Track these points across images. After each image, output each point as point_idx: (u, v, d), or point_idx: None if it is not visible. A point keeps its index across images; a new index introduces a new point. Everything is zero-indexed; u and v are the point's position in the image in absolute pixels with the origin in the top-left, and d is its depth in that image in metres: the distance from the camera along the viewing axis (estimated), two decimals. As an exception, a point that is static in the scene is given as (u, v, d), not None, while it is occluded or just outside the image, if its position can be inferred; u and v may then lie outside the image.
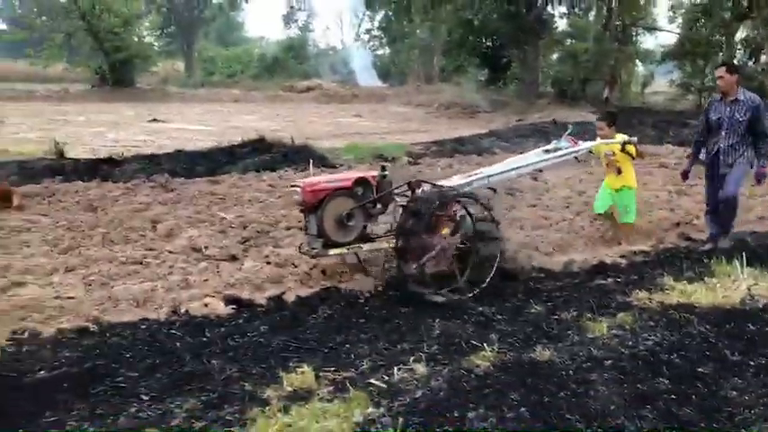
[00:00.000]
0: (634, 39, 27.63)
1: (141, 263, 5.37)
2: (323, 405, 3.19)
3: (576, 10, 29.51)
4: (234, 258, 5.60)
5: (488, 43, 26.22)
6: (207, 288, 4.87)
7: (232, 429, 2.96)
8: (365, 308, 4.56)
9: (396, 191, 4.86)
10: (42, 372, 3.52)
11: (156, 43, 31.33)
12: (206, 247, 5.88)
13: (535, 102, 23.29)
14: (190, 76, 40.22)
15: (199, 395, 3.28)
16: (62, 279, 4.92)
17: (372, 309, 4.54)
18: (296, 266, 5.44)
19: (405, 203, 4.76)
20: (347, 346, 3.92)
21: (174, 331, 4.09)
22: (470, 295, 4.65)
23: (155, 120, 20.17)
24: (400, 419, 3.04)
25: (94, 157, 10.16)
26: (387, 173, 4.91)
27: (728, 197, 5.91)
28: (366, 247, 4.74)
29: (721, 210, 6.01)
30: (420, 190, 4.86)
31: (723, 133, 5.90)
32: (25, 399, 3.20)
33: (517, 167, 5.52)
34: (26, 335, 3.98)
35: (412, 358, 3.70)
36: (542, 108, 21.91)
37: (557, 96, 25.18)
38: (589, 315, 4.37)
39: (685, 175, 6.38)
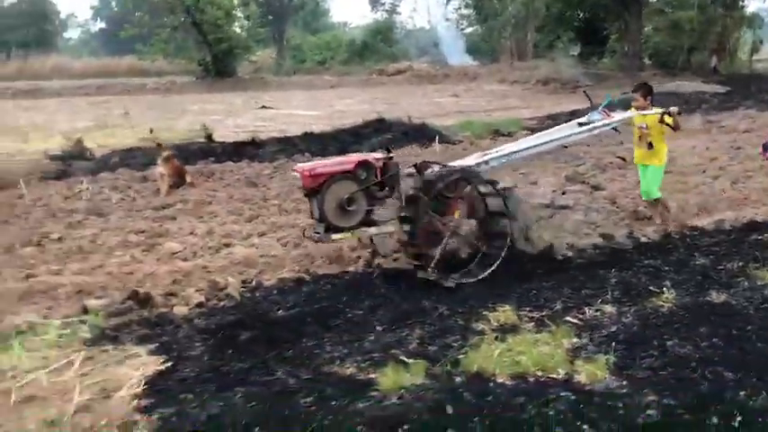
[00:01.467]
0: (741, 3, 26.58)
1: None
2: (532, 336, 3.67)
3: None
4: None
5: (587, 16, 25.81)
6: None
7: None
8: (540, 261, 4.98)
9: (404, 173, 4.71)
10: (280, 311, 4.16)
11: (260, 31, 32.31)
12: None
13: (638, 74, 22.86)
14: (282, 64, 41.51)
15: (421, 327, 3.83)
16: (260, 241, 5.60)
17: (548, 261, 4.97)
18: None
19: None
20: (534, 292, 4.37)
21: (374, 281, 4.66)
22: (482, 277, 4.54)
23: (263, 107, 21.18)
24: (604, 347, 3.47)
25: (239, 141, 10.99)
26: (392, 155, 4.82)
27: None
28: (371, 231, 4.63)
29: None
30: (429, 171, 4.68)
31: None
32: (280, 330, 3.83)
33: (542, 143, 5.34)
34: (254, 284, 4.64)
35: (599, 300, 4.13)
36: (648, 80, 21.48)
37: (657, 67, 24.61)
38: (756, 265, 4.64)
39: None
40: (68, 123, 16.86)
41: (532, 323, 3.86)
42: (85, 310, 4.11)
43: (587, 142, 10.32)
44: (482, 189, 4.70)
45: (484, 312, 3.99)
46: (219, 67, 31.48)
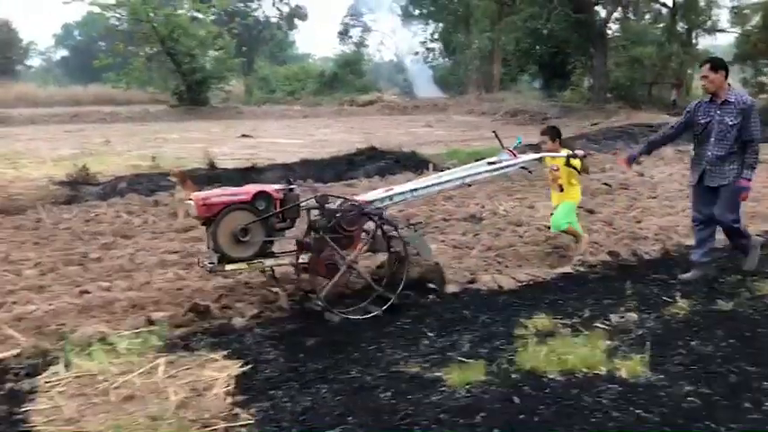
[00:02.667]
0: (694, 41, 28.08)
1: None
2: (570, 339, 4.08)
3: (632, 15, 30.08)
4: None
5: (553, 51, 26.93)
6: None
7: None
8: (561, 276, 5.44)
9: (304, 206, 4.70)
10: (336, 319, 4.50)
11: (234, 62, 32.66)
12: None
13: (604, 107, 23.90)
14: (251, 94, 41.83)
15: (469, 333, 4.21)
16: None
17: (569, 277, 5.43)
18: (470, 249, 6.38)
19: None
20: (560, 302, 4.80)
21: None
22: (377, 312, 4.50)
23: (244, 135, 21.44)
24: (636, 348, 3.91)
25: (241, 167, 11.28)
26: (294, 186, 4.86)
27: (730, 227, 5.29)
28: (268, 262, 4.64)
29: (728, 235, 5.48)
30: (330, 205, 4.70)
31: (712, 140, 5.14)
32: (340, 336, 4.18)
33: (448, 180, 5.34)
34: (298, 297, 4.97)
35: (621, 309, 4.58)
36: (613, 113, 22.53)
37: (619, 100, 25.73)
38: (753, 278, 5.17)
39: (630, 161, 5.72)
40: (53, 151, 16.86)
41: (567, 329, 4.27)
42: (151, 322, 4.38)
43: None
44: (385, 227, 4.70)
45: (521, 320, 4.40)
46: (193, 96, 31.64)
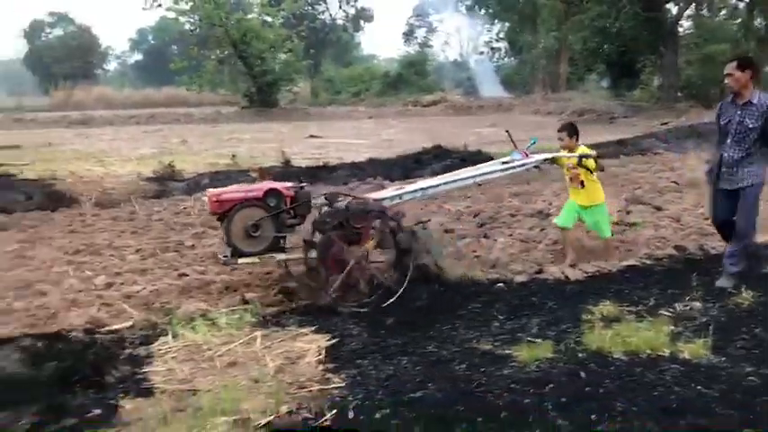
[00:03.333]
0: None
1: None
2: (635, 324, 4.31)
3: (706, 11, 29.32)
4: (485, 236, 6.82)
5: (622, 50, 26.59)
6: (480, 252, 6.12)
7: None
8: (627, 268, 5.64)
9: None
10: (415, 303, 4.86)
11: (302, 64, 33.58)
12: (453, 230, 7.16)
13: (674, 106, 23.47)
14: (317, 95, 42.77)
15: (537, 317, 4.49)
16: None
17: (635, 269, 5.62)
18: (537, 243, 6.62)
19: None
20: (626, 291, 5.02)
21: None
22: (383, 305, 4.64)
23: (312, 136, 22.10)
24: (700, 333, 4.10)
25: (313, 165, 11.81)
26: (304, 184, 5.11)
27: (742, 234, 5.13)
28: (279, 256, 4.86)
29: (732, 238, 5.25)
30: (339, 202, 4.85)
31: (729, 141, 5.01)
32: (417, 317, 4.53)
33: (459, 179, 5.46)
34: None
35: (687, 298, 4.76)
36: (684, 111, 22.13)
37: (689, 100, 25.17)
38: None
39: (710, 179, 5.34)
40: (134, 150, 17.88)
41: (632, 315, 4.49)
42: (245, 301, 4.83)
43: (641, 170, 11.02)
44: (390, 223, 4.81)
45: (588, 307, 4.64)
46: (263, 97, 32.65)
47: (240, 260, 4.79)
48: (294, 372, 3.72)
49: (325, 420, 3.16)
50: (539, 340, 4.05)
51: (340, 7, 50.83)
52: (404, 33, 54.41)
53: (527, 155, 5.65)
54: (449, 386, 3.47)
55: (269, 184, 4.95)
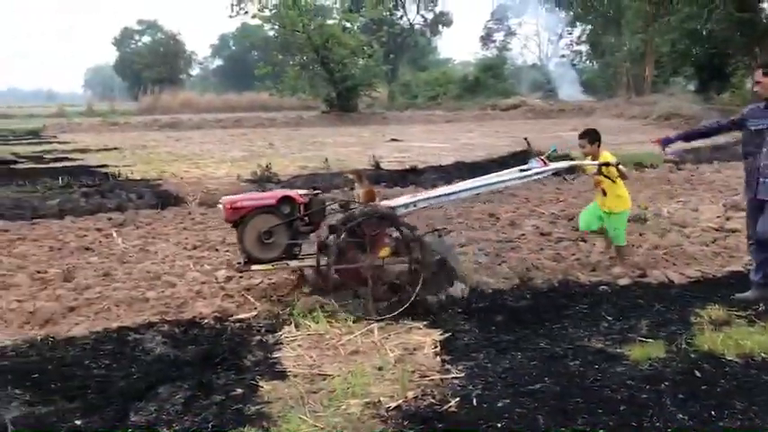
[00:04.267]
0: None
1: (512, 241, 6.86)
2: (746, 329, 4.33)
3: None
4: (583, 240, 6.89)
5: (712, 52, 25.76)
6: (579, 255, 6.22)
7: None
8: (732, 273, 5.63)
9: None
10: (522, 302, 5.02)
11: (381, 69, 34.11)
12: (550, 233, 7.26)
13: None
14: (394, 100, 43.21)
15: (647, 319, 4.57)
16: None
17: (741, 274, 5.61)
18: (637, 247, 6.64)
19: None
20: (732, 296, 5.02)
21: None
22: (389, 316, 4.62)
23: (393, 139, 22.43)
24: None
25: (401, 168, 12.11)
26: (319, 192, 5.08)
27: (761, 238, 4.93)
28: (292, 263, 4.87)
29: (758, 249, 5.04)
30: (353, 209, 4.88)
31: (765, 150, 4.81)
32: (525, 315, 4.69)
33: (474, 187, 5.38)
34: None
35: (789, 305, 4.74)
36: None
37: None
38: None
39: (665, 143, 5.53)
40: (225, 153, 18.65)
41: (742, 320, 4.52)
42: (356, 296, 5.11)
43: (738, 175, 10.73)
44: (403, 230, 4.77)
45: (695, 310, 4.69)
46: (343, 102, 33.32)
47: (254, 267, 4.84)
48: (414, 362, 3.95)
49: (450, 407, 3.38)
50: (650, 340, 4.15)
51: (418, 12, 51.16)
52: (481, 37, 54.31)
53: (545, 162, 5.52)
54: (565, 381, 3.63)
55: (283, 192, 5.01)
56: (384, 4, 41.06)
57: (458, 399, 3.45)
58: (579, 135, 5.85)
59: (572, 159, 5.90)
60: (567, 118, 31.73)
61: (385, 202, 5.15)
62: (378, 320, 4.56)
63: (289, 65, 34.32)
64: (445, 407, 3.38)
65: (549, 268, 5.82)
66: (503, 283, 5.48)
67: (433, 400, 3.46)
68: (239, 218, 4.78)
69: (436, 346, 4.15)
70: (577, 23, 44.96)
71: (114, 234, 7.54)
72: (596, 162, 5.55)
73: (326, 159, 13.11)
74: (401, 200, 5.22)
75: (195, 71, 78.85)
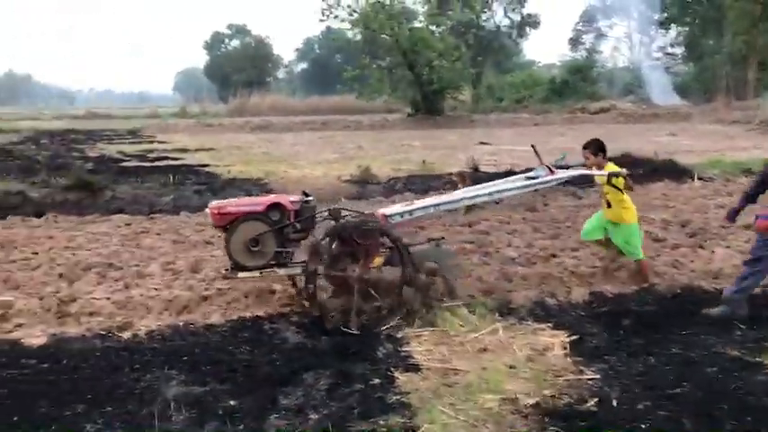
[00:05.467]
0: None
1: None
2: None
3: None
4: (701, 247, 6.70)
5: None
6: (698, 263, 6.07)
7: None
8: None
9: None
10: (645, 308, 4.96)
11: (469, 72, 34.03)
12: (664, 239, 7.09)
13: None
14: (478, 103, 42.92)
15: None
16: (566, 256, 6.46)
17: None
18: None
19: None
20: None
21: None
22: (384, 328, 4.50)
23: (482, 142, 22.34)
24: None
25: (497, 171, 12.10)
26: (310, 198, 4.91)
27: None
28: (280, 271, 4.74)
29: None
30: (343, 217, 4.73)
31: None
32: (651, 320, 4.63)
33: (473, 196, 5.23)
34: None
35: None
36: None
37: None
38: None
39: (733, 216, 5.12)
40: (317, 154, 19.09)
41: None
42: (471, 296, 5.18)
43: None
44: (393, 240, 4.64)
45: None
46: (428, 105, 33.43)
47: (240, 274, 4.72)
48: (544, 362, 3.99)
49: (590, 406, 3.40)
50: (789, 350, 4.03)
51: (505, 14, 50.68)
52: (570, 39, 53.27)
53: (552, 171, 5.33)
54: (705, 386, 3.57)
55: (272, 198, 4.89)
56: (472, 8, 41.00)
57: (596, 399, 3.46)
58: (583, 146, 5.58)
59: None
60: (662, 123, 30.64)
61: (380, 210, 5.01)
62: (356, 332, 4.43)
63: (375, 68, 34.68)
64: (584, 406, 3.40)
65: (669, 275, 5.70)
66: (623, 288, 5.42)
67: (570, 400, 3.49)
68: (227, 224, 4.69)
69: (565, 348, 4.17)
70: (672, 25, 43.39)
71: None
72: (605, 172, 5.33)
73: (424, 161, 13.22)
74: (396, 208, 5.10)
75: (280, 74, 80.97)
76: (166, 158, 18.26)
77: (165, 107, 57.50)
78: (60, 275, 5.94)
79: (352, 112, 41.85)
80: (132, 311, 5.02)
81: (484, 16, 47.58)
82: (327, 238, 4.59)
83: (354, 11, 32.23)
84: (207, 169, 15.06)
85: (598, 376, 3.75)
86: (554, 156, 6.22)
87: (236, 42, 71.63)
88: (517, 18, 51.50)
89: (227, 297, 5.28)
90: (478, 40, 46.11)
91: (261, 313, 4.92)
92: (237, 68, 63.92)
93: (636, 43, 50.74)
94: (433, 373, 3.88)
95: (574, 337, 4.33)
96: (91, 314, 4.97)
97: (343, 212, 4.81)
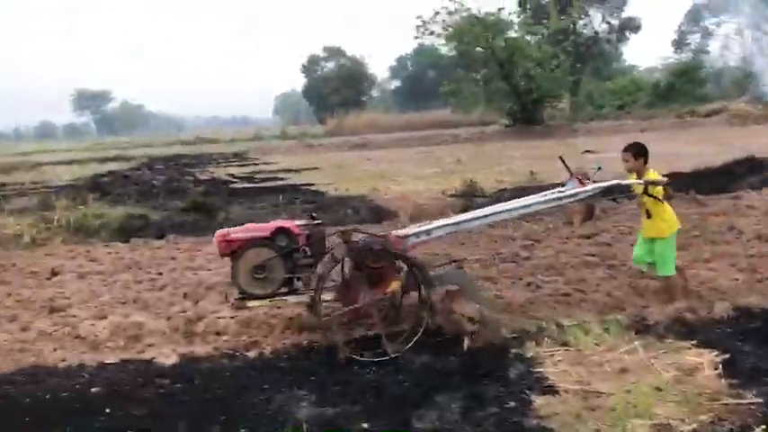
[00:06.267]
0: None
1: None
2: None
3: None
4: None
5: None
6: None
7: None
8: None
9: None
10: None
11: (568, 80, 33.17)
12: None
13: None
14: (576, 111, 41.62)
15: None
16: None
17: None
18: None
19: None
20: None
21: None
22: (394, 355, 4.25)
23: (587, 151, 21.60)
24: None
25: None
26: (319, 221, 4.71)
27: None
28: (290, 299, 4.54)
29: None
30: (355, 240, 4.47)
31: None
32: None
33: (497, 213, 4.88)
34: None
35: None
36: None
37: None
38: None
39: None
40: (418, 170, 19.07)
41: None
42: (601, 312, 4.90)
43: None
44: (410, 263, 4.41)
45: None
46: (526, 115, 32.80)
47: (249, 303, 4.55)
48: (695, 383, 3.66)
49: (756, 435, 3.07)
50: None
51: (603, 19, 49.10)
52: (674, 41, 50.83)
53: (582, 183, 4.89)
54: None
55: (278, 223, 4.71)
56: (569, 15, 40.04)
57: (763, 426, 3.13)
58: (623, 148, 5.16)
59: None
60: (784, 123, 28.61)
61: (396, 232, 4.75)
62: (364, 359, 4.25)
63: (470, 81, 34.46)
64: (750, 435, 3.08)
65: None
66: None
67: (732, 426, 3.18)
68: (233, 251, 4.56)
69: (717, 368, 3.82)
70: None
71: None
72: (641, 180, 4.91)
73: (532, 172, 12.87)
74: (412, 229, 4.84)
75: (374, 92, 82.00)
76: (273, 179, 18.78)
77: (266, 130, 59.57)
78: (185, 295, 6.12)
79: (448, 126, 41.76)
80: (256, 330, 5.06)
81: (581, 22, 46.29)
82: (331, 263, 4.38)
83: (449, 26, 32.16)
84: (313, 188, 15.35)
85: (760, 400, 3.40)
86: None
87: (331, 64, 73.26)
88: (616, 23, 49.75)
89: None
90: (576, 47, 44.84)
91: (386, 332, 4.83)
92: (334, 89, 65.30)
93: (748, 40, 47.66)
94: (572, 395, 3.65)
95: (725, 356, 3.96)
96: (217, 333, 5.06)
97: (355, 235, 4.55)
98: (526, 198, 5.17)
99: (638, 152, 5.05)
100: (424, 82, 76.60)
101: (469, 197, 10.84)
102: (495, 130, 35.06)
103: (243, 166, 24.99)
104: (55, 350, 4.97)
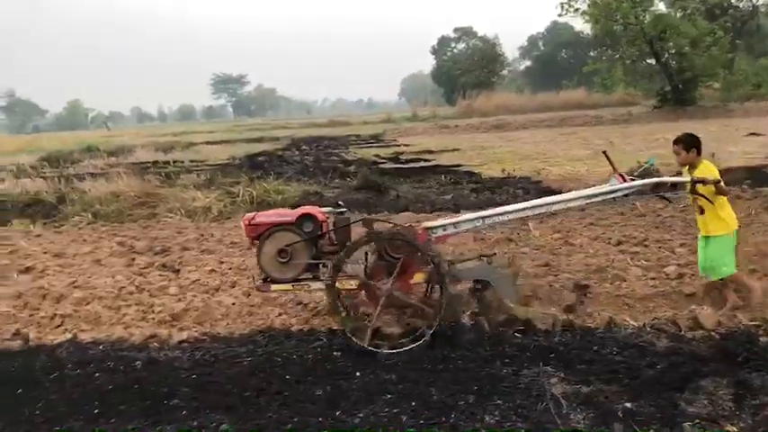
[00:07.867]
0: None
1: None
2: None
3: None
4: None
5: None
6: None
7: None
8: None
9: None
10: None
11: (726, 57, 30.85)
12: None
13: None
14: (729, 90, 38.71)
15: None
16: None
17: None
18: None
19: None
20: None
21: None
22: (409, 348, 4.18)
23: (752, 133, 20.14)
24: None
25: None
26: (344, 209, 4.64)
27: None
28: (314, 285, 4.43)
29: None
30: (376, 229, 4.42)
31: None
32: None
33: (529, 207, 4.62)
34: None
35: None
36: None
37: None
38: None
39: None
40: (566, 151, 18.57)
41: None
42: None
43: None
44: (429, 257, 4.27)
45: None
46: (678, 96, 30.94)
47: (273, 287, 4.51)
48: None
49: None
50: None
51: (764, -9, 45.20)
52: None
53: (624, 179, 4.64)
54: None
55: (304, 209, 4.65)
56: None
57: None
58: (673, 141, 4.89)
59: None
60: None
61: (426, 223, 4.64)
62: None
63: (616, 59, 32.93)
64: None
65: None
66: None
67: None
68: (258, 235, 4.53)
69: None
70: None
71: (531, 227, 7.83)
72: (686, 179, 4.65)
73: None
74: (438, 221, 4.72)
75: (504, 73, 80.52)
76: (418, 160, 18.91)
77: (396, 111, 60.12)
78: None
79: (583, 107, 40.26)
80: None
81: (739, -5, 42.93)
82: (346, 250, 4.36)
83: (595, 1, 30.82)
84: (463, 169, 15.29)
85: None
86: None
87: (461, 45, 72.55)
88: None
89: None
90: (734, 21, 41.67)
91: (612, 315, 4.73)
92: (465, 70, 64.67)
93: None
94: None
95: None
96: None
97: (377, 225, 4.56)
98: (562, 195, 5.11)
99: (689, 144, 4.80)
100: (556, 61, 74.31)
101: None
102: (642, 111, 33.35)
103: (384, 147, 25.34)
104: (279, 315, 5.27)
